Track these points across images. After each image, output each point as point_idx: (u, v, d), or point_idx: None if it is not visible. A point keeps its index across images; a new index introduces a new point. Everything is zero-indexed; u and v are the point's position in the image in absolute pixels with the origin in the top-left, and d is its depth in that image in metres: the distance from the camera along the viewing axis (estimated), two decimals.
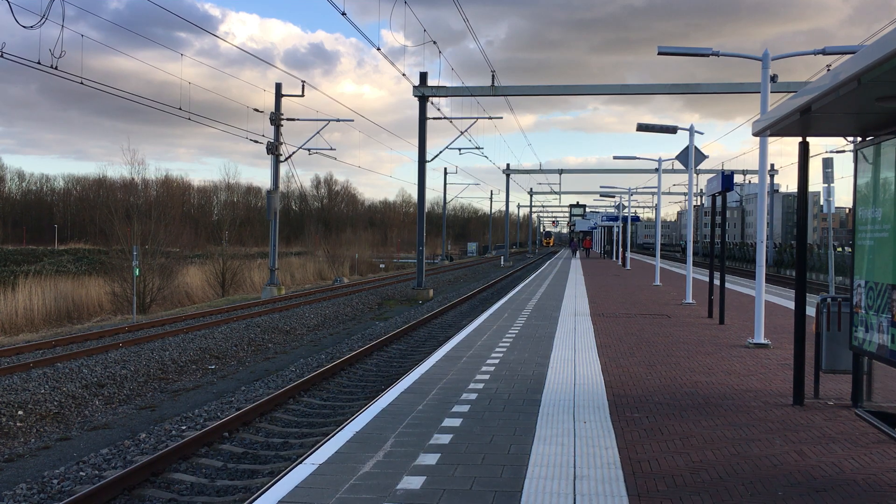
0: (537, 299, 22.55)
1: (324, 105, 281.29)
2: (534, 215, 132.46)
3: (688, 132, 21.03)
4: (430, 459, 6.40)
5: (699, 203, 53.29)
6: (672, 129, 21.55)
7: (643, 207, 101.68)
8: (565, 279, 33.48)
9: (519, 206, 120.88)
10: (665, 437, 7.19)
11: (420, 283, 36.16)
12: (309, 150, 39.40)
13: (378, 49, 26.59)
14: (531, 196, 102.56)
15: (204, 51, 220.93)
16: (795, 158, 8.36)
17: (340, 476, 5.97)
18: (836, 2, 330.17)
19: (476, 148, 53.14)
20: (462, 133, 42.08)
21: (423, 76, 34.37)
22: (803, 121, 7.04)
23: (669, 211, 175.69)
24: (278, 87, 36.91)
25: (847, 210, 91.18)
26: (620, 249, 54.30)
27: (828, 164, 20.52)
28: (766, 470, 6.20)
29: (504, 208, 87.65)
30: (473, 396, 8.87)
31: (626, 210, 54.68)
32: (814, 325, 8.46)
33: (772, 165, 74.05)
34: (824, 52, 14.05)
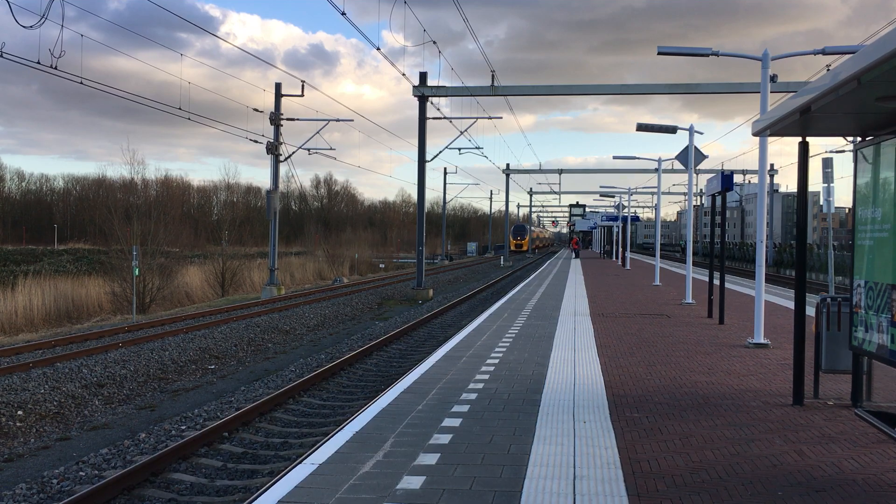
0: (537, 299, 22.55)
1: (324, 105, 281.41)
2: (534, 215, 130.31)
3: (687, 132, 21.03)
4: (429, 459, 6.40)
5: (699, 203, 53.35)
6: (672, 129, 21.55)
7: (643, 207, 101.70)
8: (565, 279, 33.48)
9: (519, 206, 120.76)
10: (665, 437, 7.19)
11: (420, 282, 36.15)
12: (309, 150, 39.42)
13: (378, 49, 26.60)
14: (531, 196, 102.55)
15: (205, 51, 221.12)
16: (795, 158, 8.37)
17: (340, 476, 5.97)
18: (835, 2, 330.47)
19: (476, 148, 53.20)
20: (462, 133, 42.10)
21: (423, 76, 34.36)
22: (803, 121, 7.04)
23: (669, 211, 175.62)
24: (278, 87, 36.90)
25: (847, 210, 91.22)
26: (620, 249, 54.32)
27: (827, 164, 20.51)
28: (766, 470, 6.20)
29: (504, 208, 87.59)
30: (473, 396, 8.87)
31: (625, 210, 54.69)
32: (813, 325, 8.46)
33: (771, 165, 74.07)
34: (824, 52, 14.05)
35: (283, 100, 36.91)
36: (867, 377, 7.51)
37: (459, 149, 56.80)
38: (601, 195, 61.92)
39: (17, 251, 72.42)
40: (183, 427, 11.55)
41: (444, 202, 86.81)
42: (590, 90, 36.19)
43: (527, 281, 32.59)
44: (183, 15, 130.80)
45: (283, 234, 63.61)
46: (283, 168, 37.11)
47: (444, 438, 7.05)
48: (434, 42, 30.57)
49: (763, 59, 13.49)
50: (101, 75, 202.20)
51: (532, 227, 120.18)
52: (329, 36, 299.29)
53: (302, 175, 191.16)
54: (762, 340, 13.06)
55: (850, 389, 7.97)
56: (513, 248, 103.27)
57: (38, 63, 18.82)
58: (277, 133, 36.64)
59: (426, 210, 42.50)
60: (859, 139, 7.27)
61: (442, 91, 34.83)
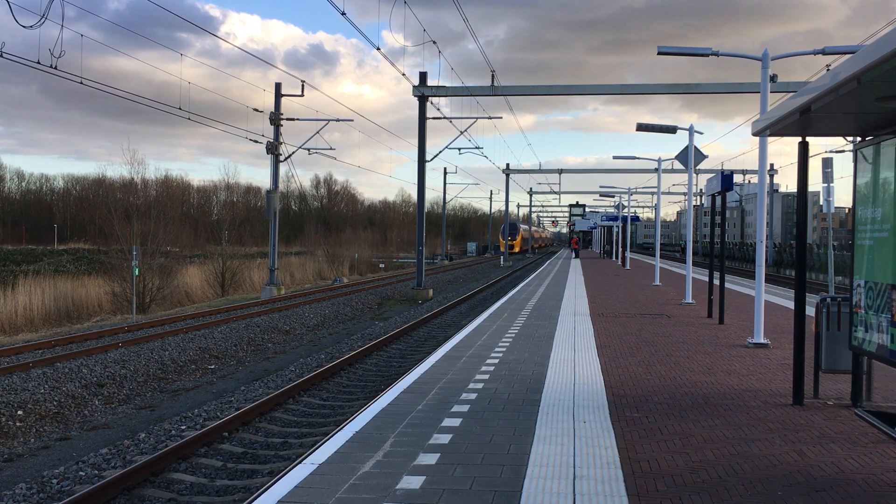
0: (537, 299, 22.55)
1: (324, 105, 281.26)
2: (534, 215, 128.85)
3: (687, 132, 21.03)
4: (429, 459, 6.40)
5: (699, 203, 53.34)
6: (671, 129, 21.55)
7: (643, 207, 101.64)
8: (565, 279, 33.48)
9: (518, 206, 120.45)
10: (665, 436, 7.19)
11: (420, 282, 36.15)
12: (309, 149, 39.42)
13: (378, 49, 26.60)
14: (531, 196, 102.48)
15: (205, 51, 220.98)
16: (795, 158, 8.37)
17: (340, 476, 5.97)
18: (835, 2, 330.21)
19: (476, 148, 53.17)
20: (462, 133, 42.13)
21: (423, 76, 34.36)
22: (803, 121, 7.04)
23: (669, 211, 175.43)
24: (278, 86, 36.90)
25: (847, 210, 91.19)
26: (620, 249, 54.32)
27: (827, 164, 20.53)
28: (766, 470, 6.20)
29: (504, 208, 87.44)
30: (473, 396, 8.87)
31: (625, 210, 54.69)
32: (813, 325, 8.46)
33: (771, 165, 74.05)
34: (824, 52, 14.06)
35: (283, 100, 36.91)
36: (867, 377, 7.52)
37: (459, 149, 56.80)
38: (601, 195, 61.91)
39: (17, 251, 72.41)
40: (183, 427, 11.55)
41: (444, 202, 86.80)
42: (590, 90, 36.18)
43: (527, 281, 32.58)
44: (183, 15, 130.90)
45: (283, 234, 63.60)
46: (283, 168, 37.13)
47: (444, 438, 7.05)
48: (434, 42, 30.62)
49: (763, 59, 13.49)
50: (101, 75, 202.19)
51: (525, 226, 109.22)
52: (329, 36, 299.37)
53: (302, 175, 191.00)
54: (762, 340, 13.06)
55: (850, 389, 7.98)
56: (503, 248, 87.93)
57: (38, 63, 18.83)
58: (277, 133, 36.63)
59: (426, 210, 42.50)
60: (859, 139, 7.27)
61: (442, 91, 34.82)
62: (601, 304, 21.36)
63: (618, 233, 58.60)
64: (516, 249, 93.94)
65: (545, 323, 16.42)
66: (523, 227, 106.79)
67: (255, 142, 35.53)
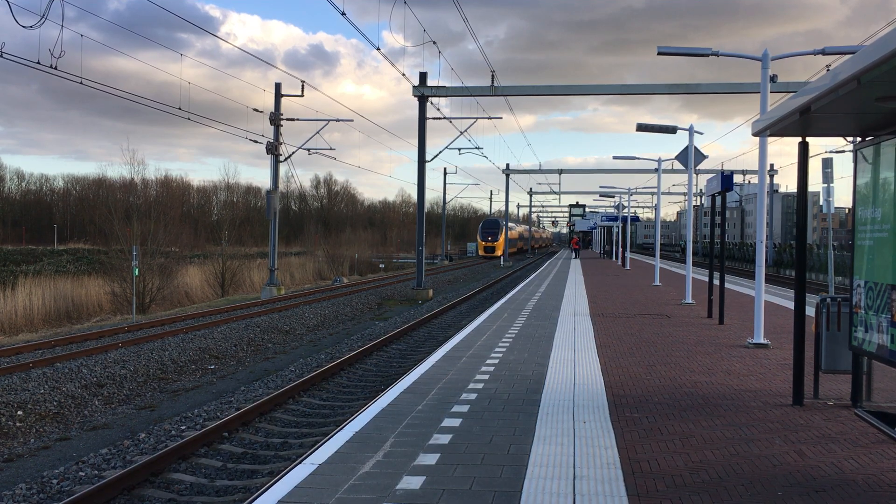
0: (537, 299, 22.55)
1: (324, 105, 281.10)
2: (534, 215, 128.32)
3: (687, 132, 21.03)
4: (429, 459, 6.40)
5: (699, 203, 53.35)
6: (671, 129, 21.56)
7: (643, 207, 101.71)
8: (565, 279, 33.48)
9: (518, 206, 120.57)
10: (665, 437, 7.19)
11: (420, 283, 36.15)
12: (308, 150, 39.41)
13: (378, 49, 26.58)
14: (531, 196, 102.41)
15: (205, 51, 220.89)
16: (795, 158, 8.37)
17: (340, 476, 5.97)
18: (835, 2, 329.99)
19: (476, 148, 53.16)
20: (462, 133, 42.10)
21: (423, 76, 34.36)
22: (803, 121, 7.04)
23: (669, 211, 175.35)
24: (278, 87, 36.89)
25: (847, 210, 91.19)
26: (620, 249, 54.33)
27: (827, 164, 20.54)
28: (766, 470, 6.20)
29: (504, 208, 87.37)
30: (473, 396, 8.87)
31: (625, 210, 54.70)
32: (813, 325, 8.46)
33: (771, 165, 74.04)
34: (824, 53, 14.06)
35: (283, 100, 36.90)
36: (867, 377, 7.51)
37: (459, 149, 56.72)
38: (601, 195, 61.90)
39: (17, 251, 72.38)
40: (183, 427, 11.55)
41: (444, 202, 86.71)
42: (590, 90, 36.18)
43: (527, 281, 32.58)
44: (183, 15, 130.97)
45: (283, 234, 63.61)
46: (283, 168, 37.12)
47: (444, 438, 7.05)
48: (434, 42, 30.60)
49: (763, 60, 13.49)
50: (101, 75, 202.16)
51: (513, 224, 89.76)
52: (329, 36, 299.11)
53: (302, 175, 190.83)
54: (762, 340, 13.06)
55: (850, 389, 7.98)
56: (482, 252, 78.97)
57: (38, 63, 18.82)
58: (277, 133, 36.63)
59: (426, 210, 42.51)
60: (859, 139, 7.27)
61: (442, 91, 34.82)
62: (601, 304, 21.36)
63: (618, 233, 58.61)
64: (498, 252, 75.38)
65: (545, 323, 16.42)
66: (514, 225, 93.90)
67: (255, 142, 35.54)
